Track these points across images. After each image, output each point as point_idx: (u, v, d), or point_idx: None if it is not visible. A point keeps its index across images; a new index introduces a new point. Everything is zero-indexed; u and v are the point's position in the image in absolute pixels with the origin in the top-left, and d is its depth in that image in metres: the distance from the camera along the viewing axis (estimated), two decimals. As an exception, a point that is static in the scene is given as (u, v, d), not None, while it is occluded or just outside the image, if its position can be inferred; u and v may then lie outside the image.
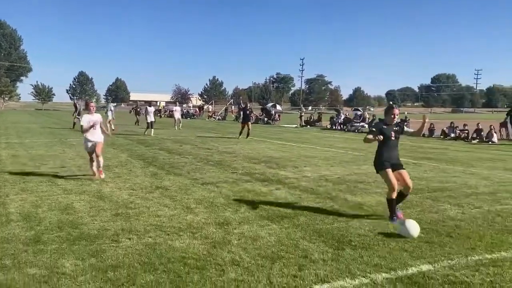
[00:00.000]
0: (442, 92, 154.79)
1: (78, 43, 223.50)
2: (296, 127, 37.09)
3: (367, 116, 34.47)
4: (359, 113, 41.14)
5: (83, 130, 9.37)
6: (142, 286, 3.95)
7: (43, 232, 5.48)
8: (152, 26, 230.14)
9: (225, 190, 8.34)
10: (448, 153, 16.54)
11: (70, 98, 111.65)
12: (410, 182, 6.30)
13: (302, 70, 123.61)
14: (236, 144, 18.64)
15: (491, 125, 23.99)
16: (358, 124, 32.32)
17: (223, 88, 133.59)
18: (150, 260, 4.58)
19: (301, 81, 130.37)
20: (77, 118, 26.46)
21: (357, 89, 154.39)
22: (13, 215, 6.24)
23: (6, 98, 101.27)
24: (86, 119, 9.42)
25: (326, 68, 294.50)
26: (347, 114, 42.38)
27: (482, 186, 9.30)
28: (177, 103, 40.05)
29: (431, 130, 27.17)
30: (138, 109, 37.26)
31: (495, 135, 23.75)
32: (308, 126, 37.54)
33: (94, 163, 9.50)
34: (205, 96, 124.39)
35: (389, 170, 6.13)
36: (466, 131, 25.38)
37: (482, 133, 23.98)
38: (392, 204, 6.20)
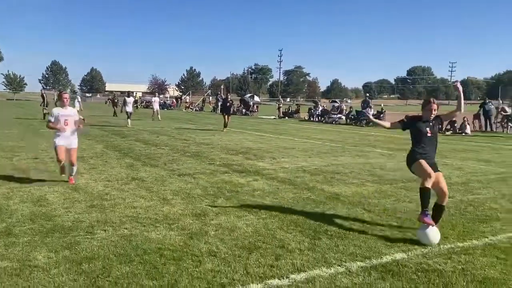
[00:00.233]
0: (418, 84, 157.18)
1: (51, 31, 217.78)
2: (274, 118, 37.18)
3: (344, 108, 34.78)
4: (336, 105, 41.40)
5: (49, 126, 7.77)
6: (117, 278, 3.90)
7: (15, 224, 5.35)
8: (127, 15, 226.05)
9: (202, 182, 8.30)
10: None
11: (43, 88, 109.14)
12: (445, 188, 5.47)
13: (280, 61, 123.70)
14: (213, 135, 18.57)
15: (464, 117, 24.50)
16: (335, 116, 32.62)
17: (200, 78, 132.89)
18: (125, 252, 4.52)
19: (279, 72, 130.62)
20: (45, 109, 25.67)
21: (334, 81, 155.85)
22: (-17, 208, 6.07)
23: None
24: (55, 113, 7.74)
25: (304, 60, 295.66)
26: (324, 106, 42.64)
27: (455, 176, 9.50)
28: (156, 93, 39.36)
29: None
30: (116, 100, 36.34)
31: (468, 126, 24.34)
32: (286, 118, 37.69)
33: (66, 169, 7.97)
34: (182, 87, 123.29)
35: (423, 161, 5.36)
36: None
37: (455, 125, 24.51)
38: (425, 195, 5.27)
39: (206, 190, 7.55)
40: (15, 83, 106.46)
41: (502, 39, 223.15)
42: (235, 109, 35.22)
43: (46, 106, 25.91)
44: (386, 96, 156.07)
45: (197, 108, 52.25)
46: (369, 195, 7.48)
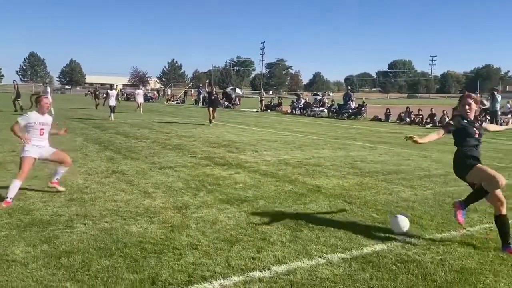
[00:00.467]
0: (399, 78, 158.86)
1: (29, 22, 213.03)
2: (256, 111, 37.13)
3: (326, 101, 34.98)
4: (318, 98, 41.69)
5: (13, 130, 6.21)
6: (97, 271, 3.85)
7: (-8, 218, 5.24)
8: (108, 7, 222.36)
9: (183, 175, 8.25)
10: (403, 137, 17.03)
11: (21, 80, 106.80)
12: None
13: (262, 54, 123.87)
14: (195, 128, 18.47)
15: (444, 110, 24.93)
16: (317, 109, 32.77)
17: (182, 71, 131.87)
18: (106, 245, 4.47)
19: (262, 65, 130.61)
20: (18, 100, 24.91)
21: (317, 74, 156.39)
22: (-42, 202, 5.92)
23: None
24: (32, 119, 6.27)
25: (287, 53, 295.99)
26: (307, 99, 42.81)
27: (434, 168, 9.65)
28: (140, 86, 38.88)
29: (388, 115, 28.08)
30: (97, 92, 35.86)
31: (447, 119, 24.69)
32: (269, 111, 37.66)
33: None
34: (163, 79, 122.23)
35: (480, 165, 4.75)
36: (421, 116, 26.37)
37: (435, 118, 24.89)
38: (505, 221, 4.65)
39: (187, 183, 7.51)
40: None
41: (481, 35, 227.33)
42: (221, 103, 34.88)
43: (19, 98, 25.05)
44: (367, 89, 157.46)
45: (179, 101, 51.85)
46: (350, 187, 7.54)
